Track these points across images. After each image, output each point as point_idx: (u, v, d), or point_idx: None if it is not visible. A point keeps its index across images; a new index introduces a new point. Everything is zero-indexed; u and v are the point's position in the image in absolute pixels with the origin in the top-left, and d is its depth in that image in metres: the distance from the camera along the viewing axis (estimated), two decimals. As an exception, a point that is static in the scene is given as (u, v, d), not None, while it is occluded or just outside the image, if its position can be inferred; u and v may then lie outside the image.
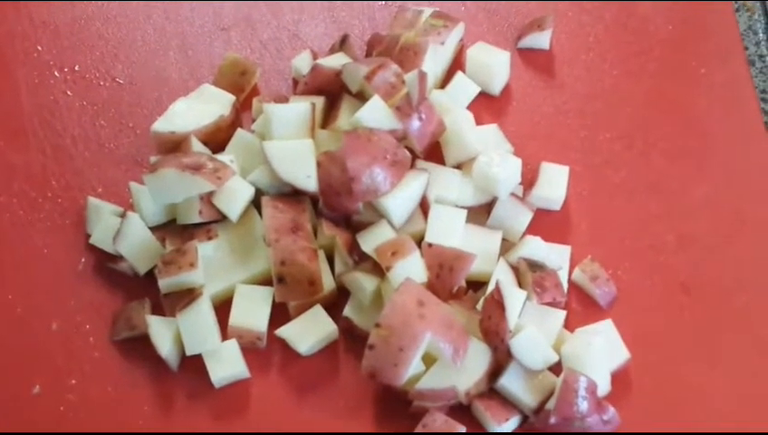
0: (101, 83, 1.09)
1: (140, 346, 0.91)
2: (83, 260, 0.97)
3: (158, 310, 0.93)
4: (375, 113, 0.95)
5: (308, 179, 0.93)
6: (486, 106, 1.06)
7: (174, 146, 0.99)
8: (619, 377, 0.90)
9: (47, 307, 0.95)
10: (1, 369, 0.92)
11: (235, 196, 0.93)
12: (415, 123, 0.96)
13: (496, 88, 1.07)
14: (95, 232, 0.96)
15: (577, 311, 0.94)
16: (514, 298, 0.87)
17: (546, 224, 0.98)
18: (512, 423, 0.87)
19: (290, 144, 0.95)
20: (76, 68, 1.10)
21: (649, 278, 0.96)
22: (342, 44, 1.06)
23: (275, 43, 1.12)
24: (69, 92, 1.08)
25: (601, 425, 0.86)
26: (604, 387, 0.88)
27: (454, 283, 0.90)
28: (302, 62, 1.06)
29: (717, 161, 1.04)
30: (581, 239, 0.98)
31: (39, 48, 1.11)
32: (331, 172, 0.93)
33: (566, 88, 1.08)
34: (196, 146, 0.98)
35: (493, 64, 1.06)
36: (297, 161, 0.94)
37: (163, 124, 1.00)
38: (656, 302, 0.95)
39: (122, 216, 0.96)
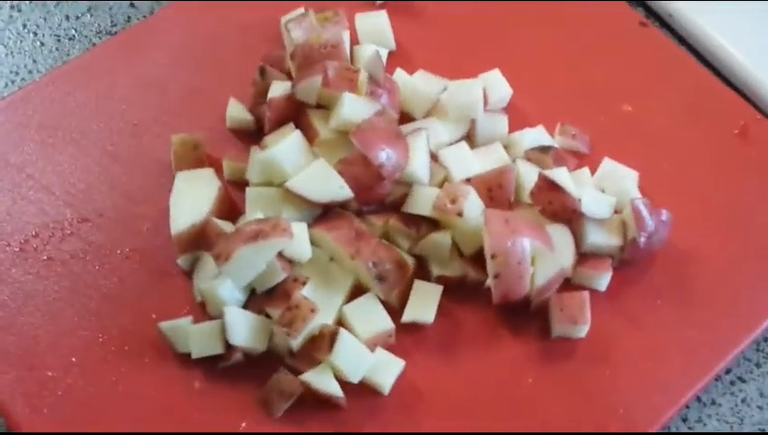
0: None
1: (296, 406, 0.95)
2: (197, 384, 0.96)
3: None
4: (355, 106, 1.02)
5: (342, 190, 1.00)
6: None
7: (197, 238, 1.00)
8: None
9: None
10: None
11: (298, 237, 0.97)
12: (384, 97, 1.06)
13: (392, 44, 1.19)
14: (194, 348, 0.96)
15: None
16: (559, 175, 1.02)
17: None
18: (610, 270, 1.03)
19: (310, 171, 1.00)
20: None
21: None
22: (263, 75, 1.10)
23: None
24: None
25: (663, 228, 1.04)
26: (642, 202, 1.07)
27: (508, 195, 1.03)
28: (235, 111, 1.10)
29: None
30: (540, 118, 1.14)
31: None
32: (356, 173, 1.00)
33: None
34: (221, 224, 1.00)
35: (381, 25, 1.17)
36: (324, 181, 1.00)
37: (179, 224, 1.00)
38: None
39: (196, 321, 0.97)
